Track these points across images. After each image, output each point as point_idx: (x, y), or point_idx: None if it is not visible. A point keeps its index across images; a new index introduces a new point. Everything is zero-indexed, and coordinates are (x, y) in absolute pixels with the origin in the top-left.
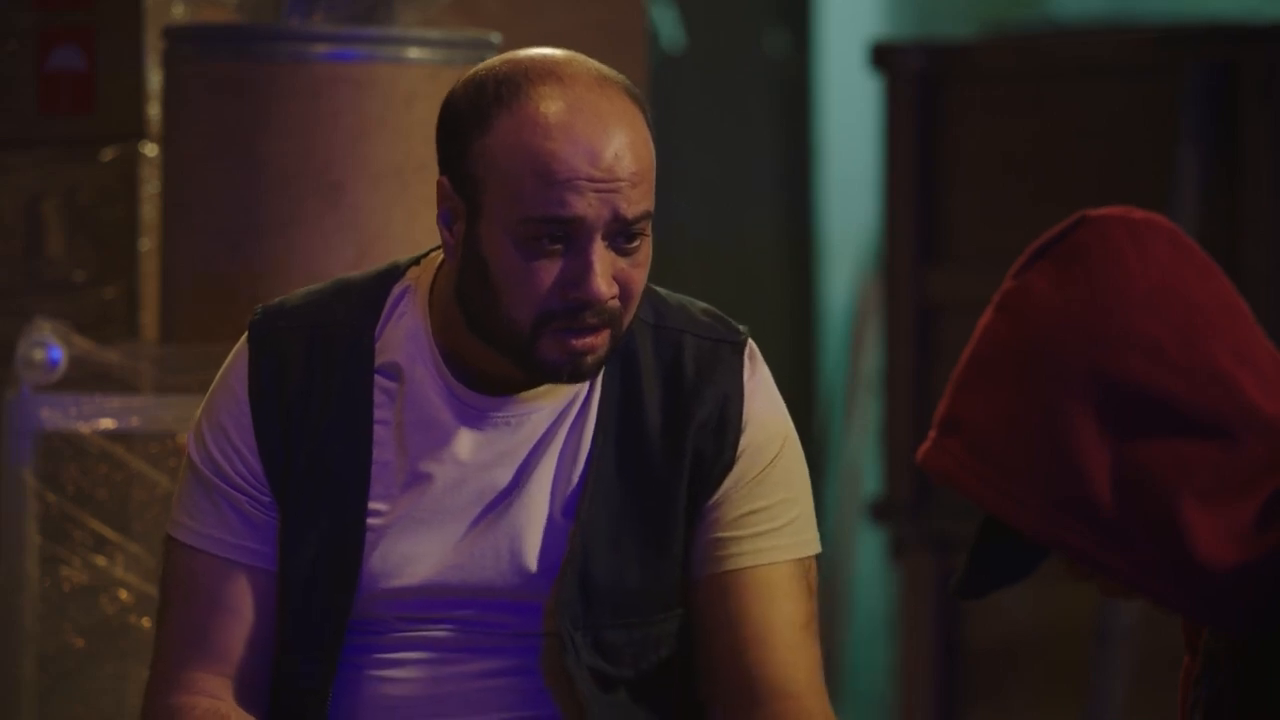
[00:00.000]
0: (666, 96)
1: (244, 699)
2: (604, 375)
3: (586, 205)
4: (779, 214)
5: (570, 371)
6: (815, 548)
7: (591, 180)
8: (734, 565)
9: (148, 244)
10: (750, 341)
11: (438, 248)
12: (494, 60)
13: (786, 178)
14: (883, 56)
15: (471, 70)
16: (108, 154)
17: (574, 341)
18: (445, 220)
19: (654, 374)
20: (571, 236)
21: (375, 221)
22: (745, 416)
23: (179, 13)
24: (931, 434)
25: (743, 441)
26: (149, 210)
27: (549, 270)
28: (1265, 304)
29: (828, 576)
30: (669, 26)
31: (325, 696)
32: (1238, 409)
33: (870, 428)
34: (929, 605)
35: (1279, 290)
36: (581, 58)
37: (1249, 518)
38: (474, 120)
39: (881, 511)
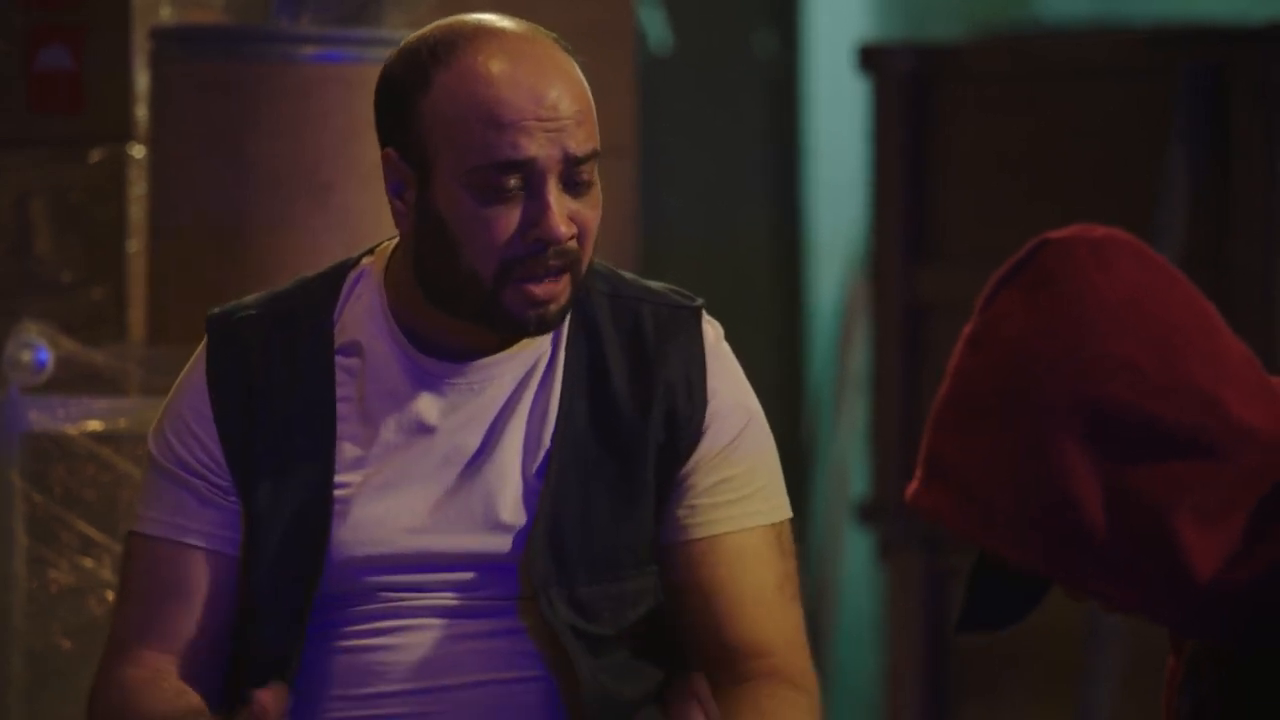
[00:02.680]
0: (655, 97)
1: (189, 677)
2: (567, 339)
3: (537, 146)
4: (768, 214)
5: (536, 321)
6: (786, 513)
7: (539, 120)
8: (706, 532)
9: (135, 245)
10: (708, 315)
11: (390, 238)
12: (423, 30)
13: (775, 178)
14: (871, 58)
15: (403, 41)
16: (95, 155)
17: (536, 290)
18: (396, 190)
19: (615, 341)
20: (526, 180)
21: (365, 222)
22: (711, 386)
23: (167, 13)
24: (918, 474)
25: (710, 410)
26: (136, 211)
27: (507, 217)
28: (1256, 304)
29: (816, 576)
30: (658, 27)
31: (293, 666)
32: (1222, 425)
33: (858, 428)
34: (917, 605)
35: (1270, 290)
36: (509, 17)
37: (1240, 530)
38: (414, 83)
39: (869, 512)
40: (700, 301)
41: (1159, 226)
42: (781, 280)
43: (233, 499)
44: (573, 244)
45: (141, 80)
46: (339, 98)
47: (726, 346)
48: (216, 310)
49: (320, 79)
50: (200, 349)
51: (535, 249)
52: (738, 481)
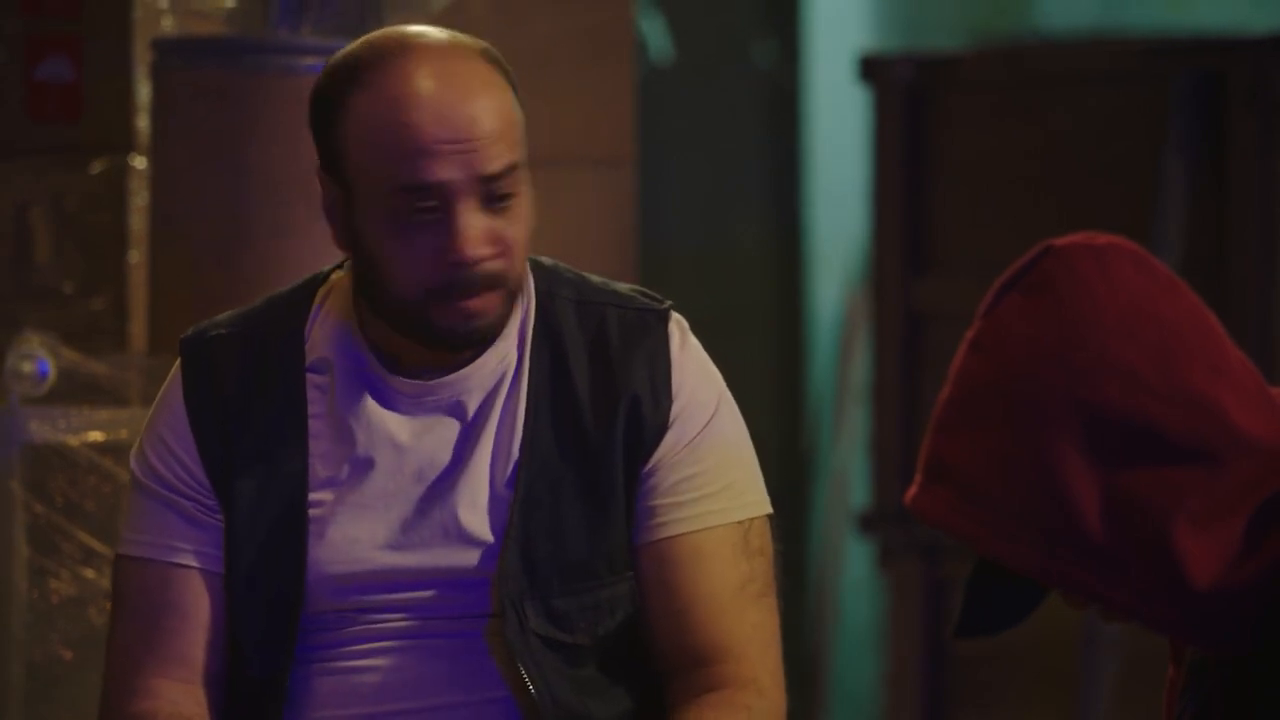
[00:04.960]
0: (655, 106)
1: (202, 702)
2: (531, 350)
3: (447, 169)
4: (768, 224)
5: (466, 336)
6: (758, 510)
7: (449, 143)
8: (668, 532)
9: (136, 255)
10: (676, 314)
11: None
12: (351, 45)
13: (775, 188)
14: (871, 68)
15: (330, 59)
16: (96, 165)
17: (465, 304)
18: (327, 210)
19: (580, 346)
20: (439, 203)
21: None
22: (675, 384)
23: (167, 24)
24: (918, 478)
25: (675, 409)
26: (137, 221)
27: (424, 241)
28: (1250, 312)
29: (816, 584)
30: (658, 36)
31: (282, 689)
32: (1220, 431)
33: (859, 437)
34: (916, 613)
35: (1264, 299)
36: (436, 29)
37: (1238, 538)
38: (334, 103)
39: (869, 521)
40: (669, 304)
41: (1157, 235)
42: (782, 290)
43: (217, 517)
44: (495, 263)
45: (142, 90)
46: None
47: (694, 342)
48: (189, 331)
49: None
50: (175, 370)
51: (453, 272)
52: (701, 479)
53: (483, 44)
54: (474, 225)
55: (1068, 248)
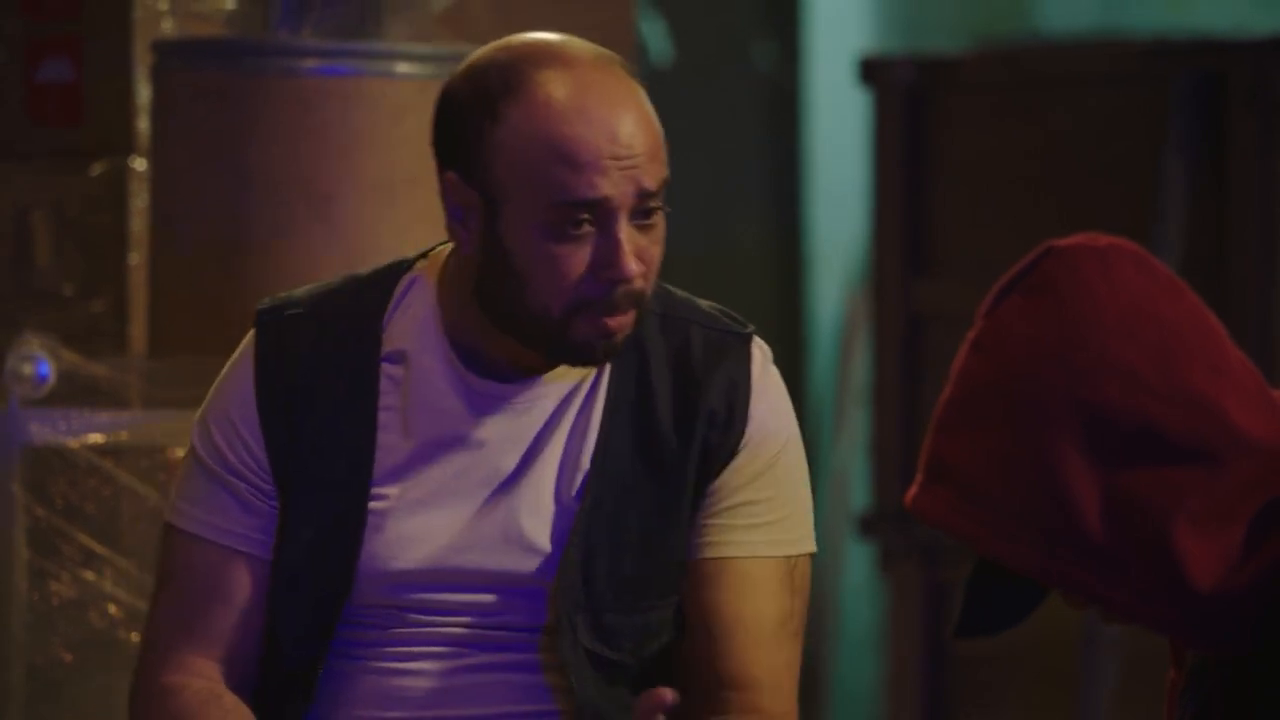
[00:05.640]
0: (655, 108)
1: (235, 684)
2: (614, 361)
3: (612, 185)
4: (768, 226)
5: (602, 352)
6: (806, 547)
7: (616, 159)
8: (715, 554)
9: (136, 257)
10: (758, 338)
11: (443, 243)
12: (489, 49)
13: (775, 190)
14: (871, 70)
15: (466, 62)
16: (96, 167)
17: (607, 321)
18: (458, 216)
19: (663, 361)
20: (598, 218)
21: (364, 234)
22: (751, 410)
23: (168, 26)
24: (919, 478)
25: (746, 434)
26: (137, 223)
27: (578, 254)
28: (1250, 312)
29: (816, 587)
30: (658, 38)
31: (313, 680)
32: (1221, 431)
33: (859, 439)
34: (917, 615)
35: (1264, 299)
36: (576, 39)
37: (1239, 539)
38: (482, 112)
39: (870, 523)
40: (751, 328)
41: (1157, 235)
42: (782, 292)
43: (273, 503)
44: (641, 281)
45: (143, 92)
46: (339, 110)
47: (774, 371)
48: (266, 304)
49: (321, 91)
50: (247, 343)
51: (606, 288)
52: (759, 508)
53: (618, 56)
54: (631, 241)
55: (1069, 249)
